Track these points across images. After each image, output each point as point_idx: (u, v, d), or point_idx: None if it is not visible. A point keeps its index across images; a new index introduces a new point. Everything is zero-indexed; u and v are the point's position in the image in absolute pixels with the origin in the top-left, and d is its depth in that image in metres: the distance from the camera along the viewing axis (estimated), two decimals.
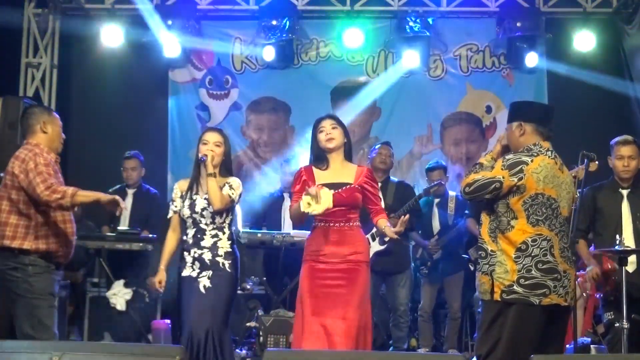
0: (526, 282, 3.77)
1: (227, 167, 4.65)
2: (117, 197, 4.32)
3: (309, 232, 4.59)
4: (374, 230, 5.95)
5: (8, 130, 6.70)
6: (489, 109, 8.39)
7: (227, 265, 4.53)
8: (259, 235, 6.48)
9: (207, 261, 4.50)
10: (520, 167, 3.82)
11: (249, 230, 6.62)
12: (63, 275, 4.65)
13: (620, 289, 4.50)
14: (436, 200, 6.76)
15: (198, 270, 4.50)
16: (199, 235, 4.54)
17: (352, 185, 4.42)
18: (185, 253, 4.56)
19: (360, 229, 4.50)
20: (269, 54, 8.06)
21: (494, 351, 3.80)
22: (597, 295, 5.34)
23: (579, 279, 5.20)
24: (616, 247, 4.56)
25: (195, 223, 4.55)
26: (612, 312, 4.95)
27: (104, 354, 3.08)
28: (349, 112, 8.06)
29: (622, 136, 5.20)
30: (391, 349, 6.41)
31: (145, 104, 8.37)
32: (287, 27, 7.98)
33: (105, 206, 4.30)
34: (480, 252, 3.95)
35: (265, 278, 6.67)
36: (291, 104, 8.48)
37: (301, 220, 4.48)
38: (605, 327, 5.10)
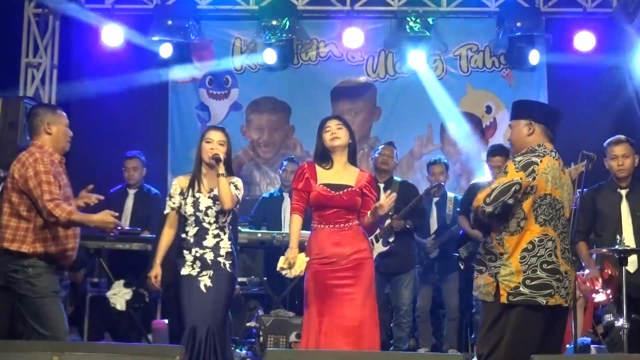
0: (532, 283, 3.77)
1: (229, 167, 4.63)
2: (107, 216, 4.17)
3: (309, 232, 4.60)
4: (377, 231, 5.97)
5: (8, 130, 6.69)
6: (489, 109, 8.39)
7: (227, 265, 4.53)
8: (259, 235, 6.48)
9: (209, 261, 4.50)
10: (532, 167, 3.81)
11: (249, 230, 6.63)
12: (65, 275, 4.65)
13: (620, 290, 4.51)
14: (435, 199, 6.77)
15: (198, 270, 4.50)
16: (201, 234, 4.53)
17: (353, 189, 4.43)
18: (186, 252, 4.54)
19: (359, 227, 4.51)
20: (269, 56, 8.07)
21: (496, 351, 3.80)
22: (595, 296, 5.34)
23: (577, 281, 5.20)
24: (616, 247, 4.56)
25: (198, 222, 4.54)
26: (612, 312, 4.96)
27: (104, 354, 3.08)
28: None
29: (614, 136, 5.22)
30: (391, 348, 6.42)
31: (145, 104, 8.36)
32: (287, 27, 7.97)
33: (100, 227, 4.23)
34: (489, 256, 3.92)
35: (265, 278, 6.67)
36: (291, 104, 8.48)
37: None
38: (605, 327, 5.10)
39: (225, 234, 4.58)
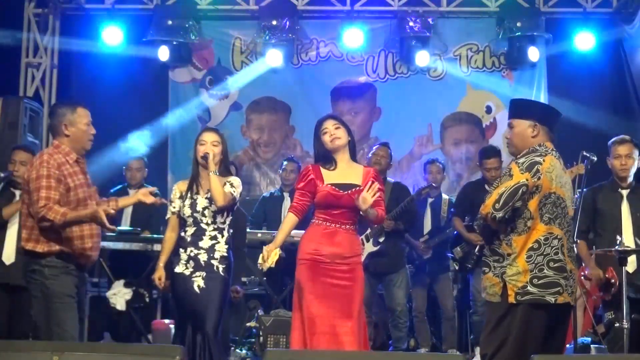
0: (539, 282, 3.77)
1: (226, 167, 4.68)
2: (96, 211, 4.10)
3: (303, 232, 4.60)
4: (368, 231, 5.99)
5: (8, 130, 6.70)
6: (489, 109, 8.39)
7: (220, 269, 4.54)
8: (259, 235, 6.48)
9: (202, 262, 4.53)
10: (536, 167, 3.81)
11: (249, 230, 6.62)
12: (86, 276, 4.57)
13: (620, 289, 4.51)
14: (430, 200, 6.78)
15: (192, 269, 4.53)
16: (198, 235, 4.56)
17: (360, 188, 4.42)
18: (181, 250, 4.58)
19: (356, 232, 4.53)
20: (272, 57, 8.07)
21: (501, 350, 3.80)
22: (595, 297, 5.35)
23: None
24: (616, 247, 4.56)
25: (196, 222, 4.57)
26: (612, 312, 4.96)
27: (104, 354, 3.08)
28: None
29: (619, 136, 5.22)
30: (391, 349, 6.42)
31: (145, 104, 8.37)
32: (287, 27, 7.98)
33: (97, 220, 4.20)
34: (496, 257, 3.91)
35: (265, 278, 6.67)
36: (291, 104, 8.48)
37: (300, 221, 4.50)
38: (605, 327, 5.10)
39: (223, 236, 4.59)
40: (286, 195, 6.97)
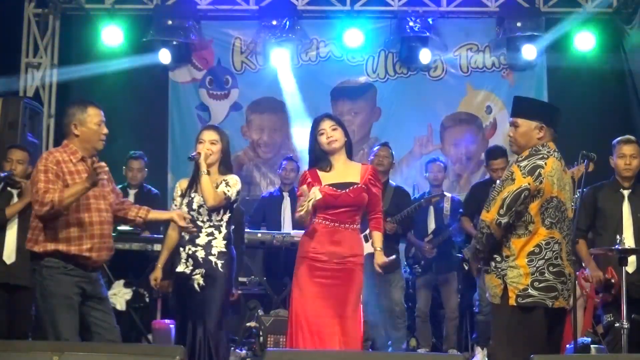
0: (540, 285, 3.78)
1: (226, 165, 4.68)
2: (78, 185, 4.08)
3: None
4: (367, 231, 5.97)
5: (8, 130, 6.70)
6: (489, 109, 8.39)
7: (219, 265, 4.54)
8: (259, 235, 6.48)
9: (200, 259, 4.53)
10: (538, 171, 3.80)
11: (249, 230, 6.62)
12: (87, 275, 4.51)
13: (620, 290, 4.51)
14: (433, 200, 6.77)
15: (191, 268, 4.54)
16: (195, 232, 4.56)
17: (359, 186, 4.41)
18: (181, 249, 4.60)
19: (359, 231, 4.51)
20: (276, 57, 8.07)
21: (504, 352, 3.81)
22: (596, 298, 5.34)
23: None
24: (616, 247, 4.56)
25: (193, 220, 4.56)
26: (611, 315, 4.96)
27: (104, 354, 3.08)
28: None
29: (624, 136, 5.22)
30: (390, 349, 6.41)
31: (145, 104, 8.36)
32: (287, 27, 7.98)
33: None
34: (496, 256, 3.91)
35: (265, 278, 6.67)
36: (291, 104, 8.47)
37: (306, 223, 4.45)
38: (605, 328, 5.10)
39: (220, 233, 4.59)
40: (286, 195, 6.97)
